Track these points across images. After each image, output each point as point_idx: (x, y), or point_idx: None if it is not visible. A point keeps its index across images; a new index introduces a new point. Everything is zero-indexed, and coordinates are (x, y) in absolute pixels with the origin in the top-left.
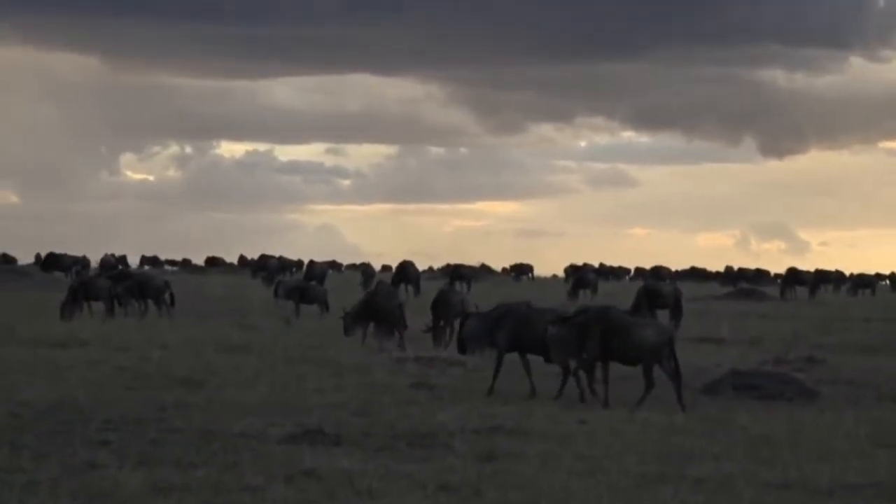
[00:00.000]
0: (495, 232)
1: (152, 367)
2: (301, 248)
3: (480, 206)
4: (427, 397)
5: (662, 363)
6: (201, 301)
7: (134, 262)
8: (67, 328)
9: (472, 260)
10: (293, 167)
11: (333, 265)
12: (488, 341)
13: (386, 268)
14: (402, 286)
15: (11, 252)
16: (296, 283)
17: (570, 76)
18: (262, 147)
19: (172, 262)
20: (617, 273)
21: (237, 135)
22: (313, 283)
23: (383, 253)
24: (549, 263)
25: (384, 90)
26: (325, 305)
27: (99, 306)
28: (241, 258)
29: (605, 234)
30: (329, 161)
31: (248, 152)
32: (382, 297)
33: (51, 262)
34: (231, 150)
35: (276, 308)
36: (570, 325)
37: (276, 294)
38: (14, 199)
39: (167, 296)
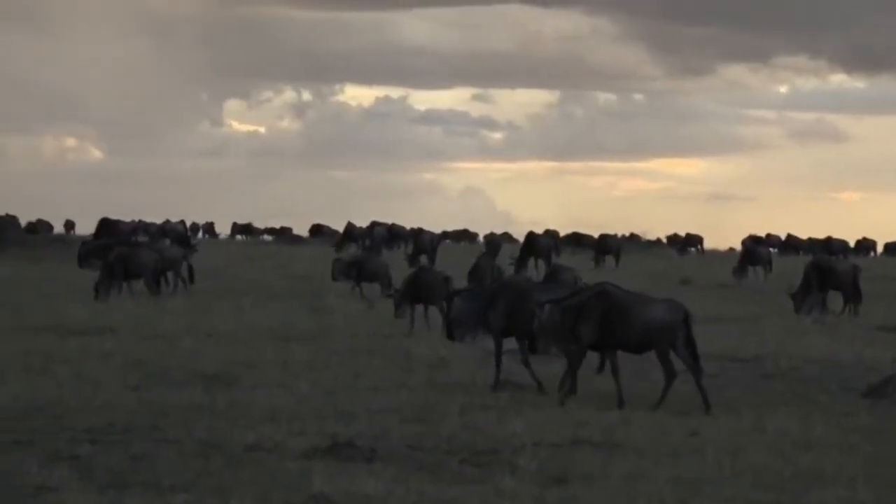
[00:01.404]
0: (674, 196)
1: (176, 361)
2: (440, 215)
3: (656, 164)
4: (507, 400)
5: (677, 348)
6: (279, 278)
7: (225, 229)
8: (94, 311)
9: (643, 228)
10: (432, 117)
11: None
12: (479, 324)
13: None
14: (532, 262)
15: (76, 218)
16: (352, 258)
17: (767, 5)
18: (394, 93)
19: (271, 231)
20: (808, 246)
21: (365, 78)
22: (376, 257)
23: (539, 221)
24: (732, 234)
25: (541, 24)
26: (387, 283)
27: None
28: (349, 226)
29: (807, 198)
30: (475, 110)
31: (377, 99)
32: (426, 274)
33: (105, 230)
34: (357, 96)
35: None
36: (565, 307)
37: (333, 275)
38: (97, 153)
39: (183, 271)
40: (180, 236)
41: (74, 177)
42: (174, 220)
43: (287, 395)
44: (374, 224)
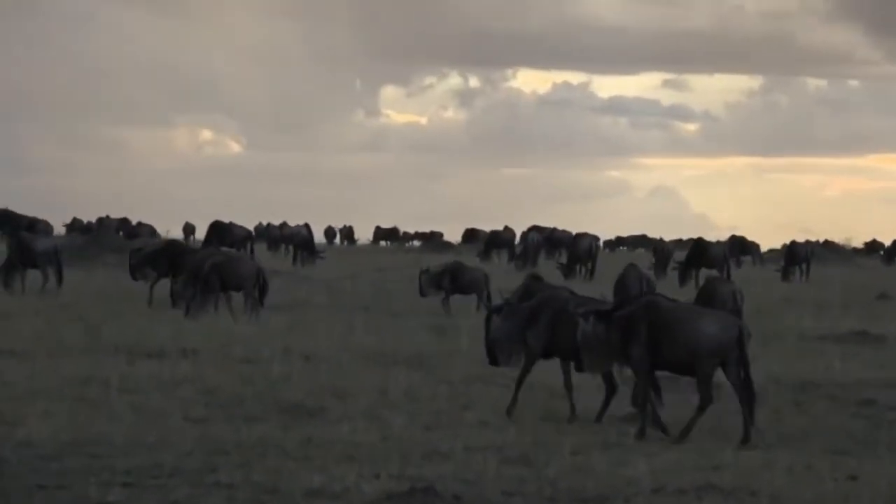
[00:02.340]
0: None
1: (255, 390)
2: (625, 217)
3: (875, 160)
4: (634, 438)
5: (728, 370)
6: (406, 292)
7: (366, 234)
8: (179, 330)
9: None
10: (617, 106)
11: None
12: (519, 344)
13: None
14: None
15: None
16: (443, 266)
17: None
18: (573, 78)
19: (419, 236)
20: None
21: (540, 61)
22: (468, 266)
23: (739, 226)
24: None
25: None
26: (485, 295)
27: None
28: (494, 232)
29: None
30: (666, 98)
31: (555, 85)
32: (540, 285)
33: (216, 234)
34: (532, 82)
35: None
36: (613, 320)
37: (421, 289)
38: (236, 147)
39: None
40: (304, 242)
41: (209, 173)
42: (326, 223)
43: (375, 431)
44: (530, 229)
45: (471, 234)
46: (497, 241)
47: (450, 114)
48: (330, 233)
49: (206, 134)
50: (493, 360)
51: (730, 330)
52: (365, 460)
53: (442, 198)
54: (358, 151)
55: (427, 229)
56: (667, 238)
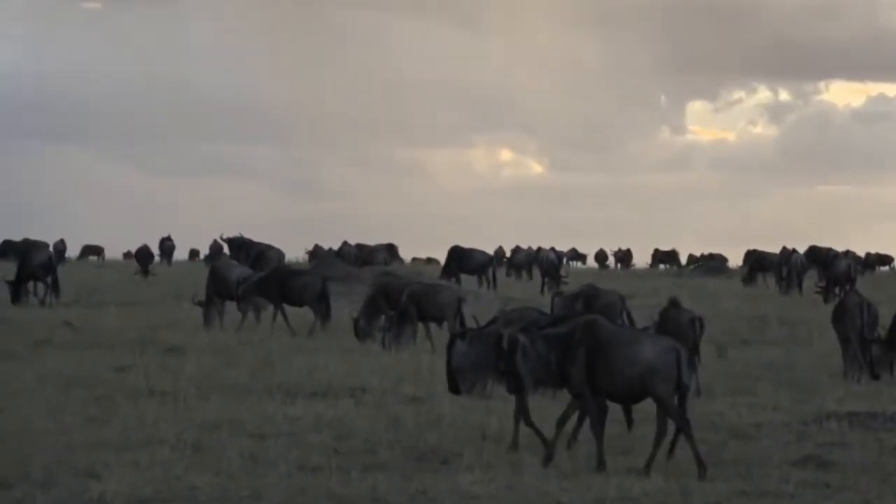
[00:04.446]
0: None
1: (397, 434)
2: None
3: None
4: (812, 484)
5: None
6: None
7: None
8: (355, 367)
9: None
10: None
11: None
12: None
13: None
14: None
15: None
16: (578, 290)
17: None
18: (890, 90)
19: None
20: None
21: (855, 72)
22: (603, 289)
23: None
24: None
25: None
26: (623, 319)
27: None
28: (761, 254)
29: None
30: None
31: (869, 98)
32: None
33: (455, 259)
34: (845, 94)
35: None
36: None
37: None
38: (536, 168)
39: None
40: (551, 266)
41: (508, 195)
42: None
43: (501, 480)
44: (792, 251)
45: (755, 258)
46: (764, 264)
47: (759, 129)
48: (601, 256)
49: (506, 154)
50: (455, 388)
51: (667, 353)
52: None
53: (752, 217)
54: (665, 170)
55: (715, 250)
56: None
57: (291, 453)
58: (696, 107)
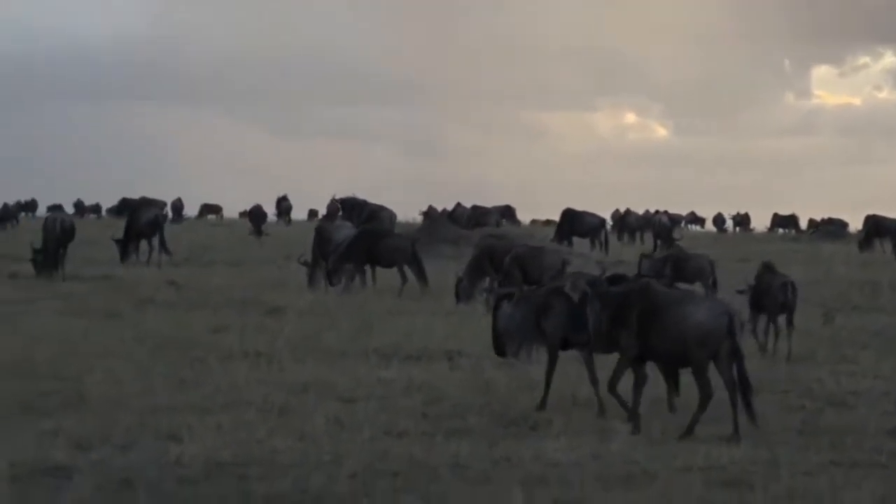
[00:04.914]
0: None
1: (485, 399)
2: None
3: None
4: None
5: (719, 362)
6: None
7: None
8: (454, 331)
9: None
10: None
11: None
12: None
13: None
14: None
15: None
16: (667, 253)
17: None
18: None
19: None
20: None
21: None
22: (692, 253)
23: None
24: None
25: None
26: (711, 285)
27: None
28: (877, 218)
29: None
30: None
31: None
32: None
33: (568, 222)
34: None
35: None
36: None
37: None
38: (661, 132)
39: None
40: (663, 230)
41: (630, 159)
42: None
43: (584, 448)
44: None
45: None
46: (881, 229)
47: (884, 94)
48: (719, 220)
49: (630, 117)
50: (501, 351)
51: (720, 316)
52: (553, 483)
53: (875, 182)
54: (790, 135)
55: (836, 215)
56: None
57: (379, 418)
58: (821, 71)
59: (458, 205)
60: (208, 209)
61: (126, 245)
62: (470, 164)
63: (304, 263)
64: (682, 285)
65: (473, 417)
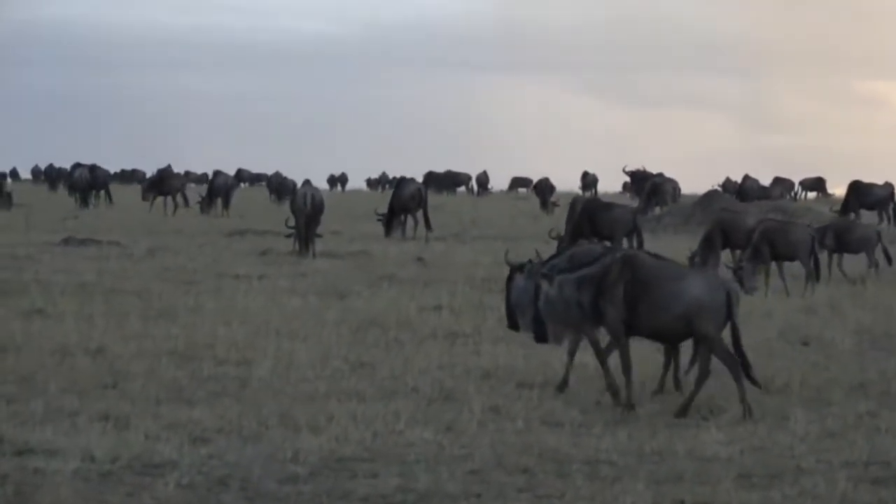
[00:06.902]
0: None
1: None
2: None
3: None
4: None
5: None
6: None
7: None
8: None
9: None
10: None
11: None
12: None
13: None
14: None
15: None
16: (828, 222)
17: None
18: None
19: None
20: None
21: None
22: (858, 223)
23: None
24: None
25: None
26: (874, 255)
27: None
28: None
29: None
30: None
31: None
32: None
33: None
34: None
35: None
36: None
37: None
38: None
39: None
40: (880, 202)
41: None
42: None
43: (740, 442)
44: None
45: None
46: None
47: None
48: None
49: None
50: (514, 325)
51: (717, 290)
52: (687, 481)
53: None
54: None
55: None
56: None
57: (542, 406)
58: None
59: (747, 177)
60: (519, 182)
61: (390, 219)
62: (804, 134)
63: (556, 237)
64: None
65: (647, 405)
